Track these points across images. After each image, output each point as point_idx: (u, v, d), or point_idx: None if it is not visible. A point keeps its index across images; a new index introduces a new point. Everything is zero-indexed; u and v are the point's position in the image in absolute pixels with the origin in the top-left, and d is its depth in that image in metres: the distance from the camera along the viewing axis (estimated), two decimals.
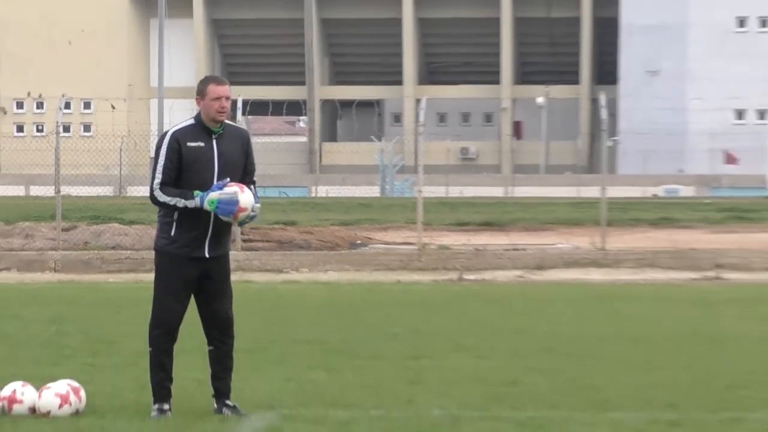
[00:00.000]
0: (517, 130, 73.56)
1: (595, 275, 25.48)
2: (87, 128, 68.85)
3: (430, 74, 76.34)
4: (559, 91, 71.38)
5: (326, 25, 74.02)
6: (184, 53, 69.68)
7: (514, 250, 28.72)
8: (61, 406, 9.22)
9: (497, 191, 54.92)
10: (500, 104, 72.41)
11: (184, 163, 8.87)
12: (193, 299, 9.15)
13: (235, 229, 23.41)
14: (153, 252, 9.39)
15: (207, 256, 8.95)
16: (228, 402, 9.02)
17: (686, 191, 57.82)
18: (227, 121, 9.00)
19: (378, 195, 54.94)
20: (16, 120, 73.74)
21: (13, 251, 27.94)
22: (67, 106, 40.45)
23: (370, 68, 75.41)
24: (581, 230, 31.25)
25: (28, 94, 72.43)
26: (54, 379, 9.60)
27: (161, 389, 8.97)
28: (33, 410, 9.10)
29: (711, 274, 25.16)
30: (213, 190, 8.84)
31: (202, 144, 8.89)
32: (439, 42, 74.98)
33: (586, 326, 16.07)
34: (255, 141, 10.95)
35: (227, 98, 8.87)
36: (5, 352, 12.72)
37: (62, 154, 29.70)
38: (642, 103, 65.93)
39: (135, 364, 11.04)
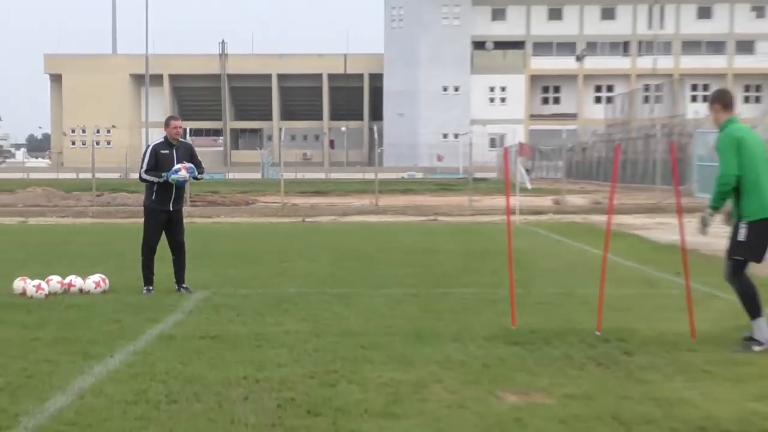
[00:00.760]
0: (332, 144, 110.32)
1: (373, 219, 31.33)
2: (108, 143, 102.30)
3: (286, 114, 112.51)
4: (353, 124, 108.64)
5: (233, 90, 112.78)
6: (158, 104, 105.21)
7: (331, 205, 35.81)
8: (97, 286, 11.63)
9: (322, 176, 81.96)
10: (323, 130, 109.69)
11: (158, 160, 11.36)
12: (164, 233, 11.63)
13: (186, 194, 27.96)
14: (142, 207, 11.86)
15: (171, 209, 11.51)
16: (184, 285, 11.66)
17: (418, 175, 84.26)
18: (181, 139, 11.56)
19: (260, 177, 79.56)
20: (72, 137, 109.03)
21: (69, 207, 34.39)
22: (98, 131, 66.57)
23: (255, 112, 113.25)
24: (366, 195, 40.42)
25: (77, 125, 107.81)
26: (91, 273, 12.22)
27: (148, 279, 11.55)
28: (80, 290, 11.50)
29: (432, 218, 31.77)
30: (173, 173, 11.29)
31: (167, 151, 11.44)
32: (292, 98, 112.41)
33: (369, 244, 19.69)
34: (196, 149, 12.48)
35: (181, 127, 11.49)
36: (68, 261, 15.15)
37: (96, 156, 39.73)
38: (395, 130, 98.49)
39: (134, 267, 12.77)
